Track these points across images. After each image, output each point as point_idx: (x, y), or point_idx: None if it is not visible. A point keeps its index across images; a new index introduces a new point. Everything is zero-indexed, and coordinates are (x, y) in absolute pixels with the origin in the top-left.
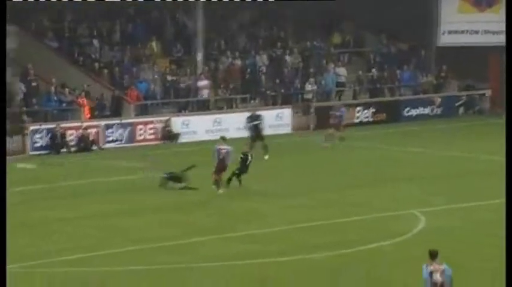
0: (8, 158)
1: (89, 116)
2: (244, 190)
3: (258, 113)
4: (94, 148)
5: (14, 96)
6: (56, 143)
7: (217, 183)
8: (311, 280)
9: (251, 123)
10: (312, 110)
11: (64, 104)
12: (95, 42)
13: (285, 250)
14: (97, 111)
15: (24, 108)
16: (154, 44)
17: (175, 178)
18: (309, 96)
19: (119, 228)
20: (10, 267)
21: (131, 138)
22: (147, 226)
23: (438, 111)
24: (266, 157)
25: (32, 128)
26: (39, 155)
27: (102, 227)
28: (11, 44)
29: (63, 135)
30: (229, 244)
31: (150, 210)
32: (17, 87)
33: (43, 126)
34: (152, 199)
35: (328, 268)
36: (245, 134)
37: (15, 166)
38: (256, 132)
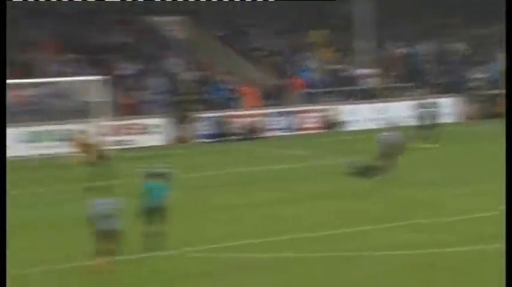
0: (174, 145)
1: (253, 104)
2: (411, 178)
3: (432, 100)
4: (258, 136)
5: (183, 85)
6: (222, 131)
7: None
8: (484, 270)
9: (424, 111)
10: (480, 98)
11: (229, 93)
12: (260, 31)
13: (456, 240)
14: (262, 100)
15: (192, 97)
16: (317, 32)
17: (367, 168)
18: (477, 84)
19: (280, 216)
20: (186, 250)
21: (295, 126)
22: (310, 214)
23: None
24: (436, 145)
25: (198, 116)
26: (205, 142)
27: (267, 215)
28: (181, 34)
29: (228, 124)
30: (396, 233)
31: (313, 198)
32: (185, 77)
33: (209, 115)
34: (315, 187)
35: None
36: (410, 122)
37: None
38: (429, 120)
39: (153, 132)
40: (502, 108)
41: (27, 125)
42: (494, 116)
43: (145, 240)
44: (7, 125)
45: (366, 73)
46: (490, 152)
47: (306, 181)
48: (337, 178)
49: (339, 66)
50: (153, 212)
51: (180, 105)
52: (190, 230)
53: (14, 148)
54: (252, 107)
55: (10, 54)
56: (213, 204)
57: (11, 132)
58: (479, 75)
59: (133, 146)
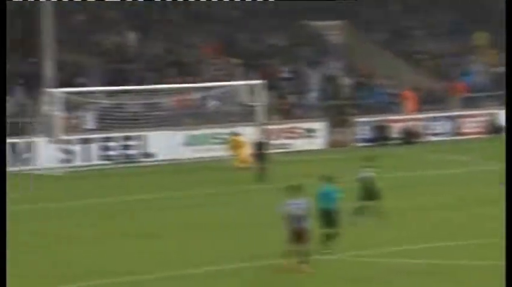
0: (332, 149)
1: (413, 109)
2: None
3: None
4: (417, 140)
5: (341, 90)
6: (380, 135)
7: None
8: None
9: None
10: None
11: (388, 97)
12: (421, 33)
13: None
14: (422, 104)
15: (351, 101)
16: (481, 34)
17: None
18: None
19: (445, 221)
20: (346, 255)
21: (455, 131)
22: (475, 220)
23: None
24: None
25: (357, 120)
26: (363, 146)
27: (432, 220)
28: (339, 38)
29: (387, 128)
30: None
31: (477, 204)
32: (343, 81)
33: (367, 119)
34: (478, 192)
35: None
36: None
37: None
38: None
39: (310, 136)
40: None
41: (189, 129)
42: None
43: (320, 242)
44: (170, 128)
45: None
46: None
47: (468, 187)
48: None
49: (503, 69)
50: (327, 215)
51: (338, 109)
52: (356, 234)
53: (176, 151)
54: (412, 112)
55: (170, 57)
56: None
57: (172, 135)
58: None
59: (291, 149)
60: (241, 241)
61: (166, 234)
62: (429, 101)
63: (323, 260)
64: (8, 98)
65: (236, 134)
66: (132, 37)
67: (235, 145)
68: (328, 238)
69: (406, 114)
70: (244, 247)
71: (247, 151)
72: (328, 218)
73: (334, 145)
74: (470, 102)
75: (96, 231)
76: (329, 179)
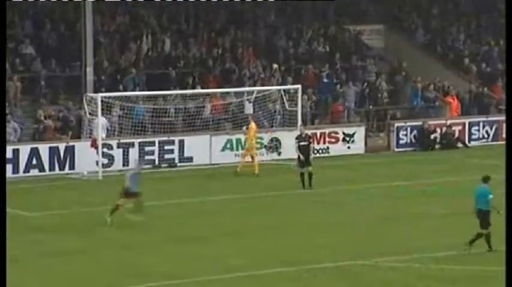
0: (370, 154)
1: (456, 113)
2: None
3: None
4: (459, 145)
5: (380, 94)
6: (421, 140)
7: None
8: None
9: None
10: None
11: (429, 101)
12: (462, 36)
13: None
14: (463, 108)
15: (390, 106)
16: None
17: None
18: None
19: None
20: (384, 260)
21: (497, 136)
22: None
23: None
24: None
25: (397, 125)
26: (404, 151)
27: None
28: (377, 43)
29: (428, 133)
30: None
31: None
32: (382, 85)
33: (408, 124)
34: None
35: None
36: None
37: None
38: None
39: (349, 141)
40: None
41: (227, 134)
42: None
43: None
44: (208, 132)
45: None
46: None
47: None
48: None
49: None
50: (482, 215)
51: (377, 114)
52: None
53: (215, 156)
54: (454, 116)
55: (208, 62)
56: (414, 213)
57: (211, 140)
58: None
59: (329, 154)
60: (287, 245)
61: (214, 238)
62: (471, 105)
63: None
64: (48, 103)
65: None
66: (170, 41)
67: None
68: (480, 236)
69: (447, 119)
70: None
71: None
72: (482, 218)
73: (373, 149)
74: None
75: (142, 235)
76: (486, 179)
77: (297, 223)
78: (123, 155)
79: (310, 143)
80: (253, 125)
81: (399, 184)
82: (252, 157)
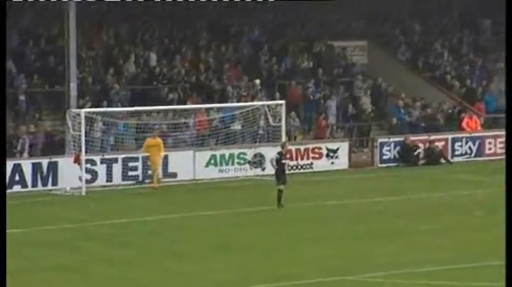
0: (353, 170)
1: (438, 129)
2: None
3: None
4: (442, 161)
5: (364, 110)
6: (405, 155)
7: None
8: None
9: None
10: None
11: (412, 117)
12: (445, 53)
13: None
14: (448, 125)
15: (373, 122)
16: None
17: None
18: None
19: (471, 242)
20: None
21: (480, 152)
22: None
23: None
24: None
25: (380, 140)
26: (387, 167)
27: (456, 240)
28: (361, 59)
29: (411, 148)
30: None
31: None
32: (366, 101)
33: (391, 139)
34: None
35: None
36: None
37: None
38: None
39: (333, 156)
40: None
41: (211, 149)
42: None
43: None
44: (192, 148)
45: None
46: None
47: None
48: None
49: None
50: None
51: (361, 129)
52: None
53: (199, 171)
54: (437, 132)
55: (193, 78)
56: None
57: (195, 155)
58: None
59: (313, 170)
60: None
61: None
62: (452, 121)
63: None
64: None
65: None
66: (154, 57)
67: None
68: None
69: (430, 135)
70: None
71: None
72: None
73: (357, 165)
74: (494, 123)
75: (129, 251)
76: None
77: (282, 238)
78: (107, 170)
79: (286, 160)
80: (157, 140)
81: (383, 200)
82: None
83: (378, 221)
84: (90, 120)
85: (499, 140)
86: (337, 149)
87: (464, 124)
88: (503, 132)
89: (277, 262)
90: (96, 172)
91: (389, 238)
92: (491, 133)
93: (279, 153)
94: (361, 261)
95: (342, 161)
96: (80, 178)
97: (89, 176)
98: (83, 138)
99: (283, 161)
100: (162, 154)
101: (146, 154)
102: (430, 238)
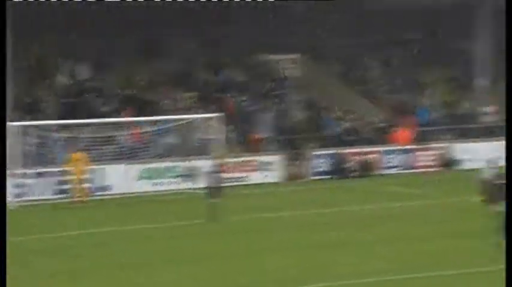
0: (287, 182)
1: (370, 142)
2: None
3: None
4: (373, 173)
5: (298, 123)
6: (337, 168)
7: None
8: None
9: None
10: None
11: (345, 130)
12: (377, 67)
13: None
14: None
15: (308, 134)
16: (436, 69)
17: None
18: None
19: (410, 252)
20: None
21: (410, 164)
22: (438, 252)
23: None
24: None
25: (313, 153)
26: (320, 179)
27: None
28: (297, 72)
29: (343, 161)
30: None
31: (438, 236)
32: (301, 114)
33: (324, 152)
34: (436, 225)
35: None
36: None
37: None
38: None
39: (266, 169)
40: None
41: (144, 162)
42: None
43: None
44: (125, 161)
45: (485, 111)
46: None
47: (424, 219)
48: (456, 215)
49: (456, 104)
50: None
51: (294, 142)
52: (311, 265)
53: (132, 184)
54: (369, 145)
55: (126, 91)
56: (334, 240)
57: (128, 168)
58: None
59: (247, 183)
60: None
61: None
62: (383, 134)
63: None
64: None
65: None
66: (85, 70)
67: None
68: None
69: (362, 147)
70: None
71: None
72: None
73: (290, 178)
74: (424, 136)
75: (81, 263)
76: None
77: (227, 249)
78: (37, 184)
79: (220, 173)
80: (81, 154)
81: (317, 212)
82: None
83: (312, 232)
84: (21, 133)
85: (430, 152)
86: (271, 162)
87: (395, 137)
88: (434, 145)
89: (228, 273)
90: (26, 186)
91: (326, 249)
92: (422, 146)
93: (214, 166)
94: (314, 270)
95: (276, 174)
96: (12, 192)
97: (19, 190)
98: (17, 151)
99: (218, 174)
100: (87, 167)
101: (71, 168)
102: (365, 249)
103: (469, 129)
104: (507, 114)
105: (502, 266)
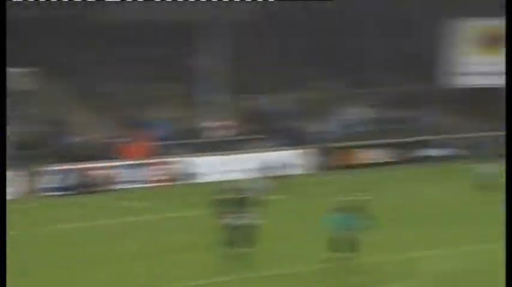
0: (23, 198)
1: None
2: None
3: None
4: (108, 188)
5: (32, 138)
6: (71, 184)
7: None
8: None
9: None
10: (326, 151)
11: (78, 145)
12: (111, 82)
13: None
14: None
15: (41, 150)
16: (165, 85)
17: None
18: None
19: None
20: None
21: (145, 179)
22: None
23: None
24: (284, 197)
25: (45, 168)
26: (51, 195)
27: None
28: (27, 86)
29: (78, 176)
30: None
31: (167, 251)
32: (36, 129)
33: (57, 168)
34: (168, 239)
35: None
36: (258, 174)
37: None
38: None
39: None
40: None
41: None
42: (344, 167)
43: None
44: None
45: (216, 125)
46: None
47: (157, 233)
48: (185, 229)
49: (187, 119)
50: None
51: (27, 158)
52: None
53: None
54: (103, 160)
55: None
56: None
57: None
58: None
59: None
60: None
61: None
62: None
63: None
64: None
65: None
66: None
67: None
68: None
69: (98, 163)
70: None
71: None
72: None
73: (24, 194)
74: (157, 151)
75: None
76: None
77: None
78: None
79: None
80: None
81: (50, 229)
82: None
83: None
84: None
85: (163, 166)
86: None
87: (128, 151)
88: (167, 159)
89: None
90: None
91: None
92: (156, 160)
93: None
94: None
95: (11, 190)
96: None
97: None
98: None
99: None
100: None
101: None
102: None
103: (201, 143)
104: (507, 114)
105: (229, 278)
